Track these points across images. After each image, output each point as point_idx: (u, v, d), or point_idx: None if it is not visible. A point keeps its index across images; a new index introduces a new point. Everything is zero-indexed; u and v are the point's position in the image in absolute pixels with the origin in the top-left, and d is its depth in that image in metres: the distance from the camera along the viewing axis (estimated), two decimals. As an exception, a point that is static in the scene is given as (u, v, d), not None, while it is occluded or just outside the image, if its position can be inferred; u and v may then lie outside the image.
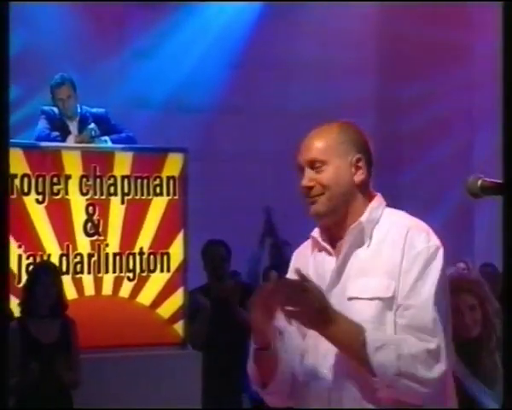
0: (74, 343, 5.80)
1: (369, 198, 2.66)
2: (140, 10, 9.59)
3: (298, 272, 2.48)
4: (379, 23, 10.80)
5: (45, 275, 5.87)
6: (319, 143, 2.63)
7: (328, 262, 2.65)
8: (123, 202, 6.46)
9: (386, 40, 10.88)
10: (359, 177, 2.63)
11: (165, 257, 6.52)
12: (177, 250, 6.55)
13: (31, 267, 6.13)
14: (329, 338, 2.49)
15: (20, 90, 9.00)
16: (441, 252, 2.57)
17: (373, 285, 2.55)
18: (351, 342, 2.47)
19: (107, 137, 6.66)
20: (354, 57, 10.44)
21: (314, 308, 2.43)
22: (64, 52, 8.85)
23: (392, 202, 2.71)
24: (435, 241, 2.58)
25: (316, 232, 2.72)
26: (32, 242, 6.24)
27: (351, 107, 9.55)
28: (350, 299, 2.55)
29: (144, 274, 6.48)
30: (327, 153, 2.61)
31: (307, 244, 2.79)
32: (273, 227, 8.47)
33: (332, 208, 2.61)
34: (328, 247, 2.67)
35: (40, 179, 6.27)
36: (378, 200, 2.68)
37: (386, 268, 2.55)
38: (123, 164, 6.48)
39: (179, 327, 6.54)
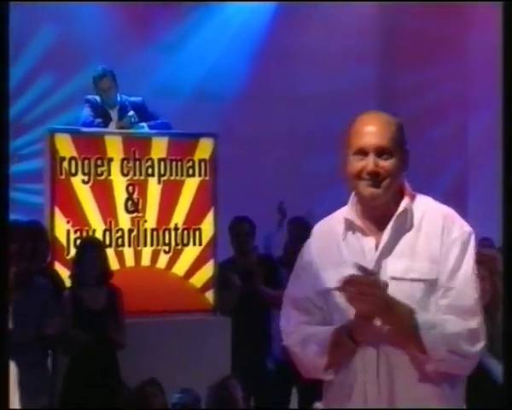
0: (120, 308, 6.17)
1: (400, 185, 2.79)
2: (167, 11, 10.10)
3: (361, 268, 2.59)
4: (379, 14, 11.20)
5: (91, 249, 6.23)
6: (387, 133, 2.73)
7: (367, 242, 2.74)
8: (159, 183, 6.85)
9: (386, 30, 11.29)
10: (405, 168, 2.79)
11: (197, 232, 6.93)
12: (207, 226, 6.96)
13: (78, 241, 6.55)
14: (387, 322, 2.64)
15: (55, 78, 9.57)
16: (473, 237, 2.75)
17: (416, 268, 2.68)
18: (405, 324, 2.62)
19: (144, 124, 6.97)
20: (356, 47, 10.91)
21: (384, 301, 2.59)
22: (97, 46, 9.31)
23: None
24: (468, 227, 2.75)
25: (350, 214, 2.79)
26: (78, 218, 6.67)
27: (352, 93, 10.09)
28: (393, 279, 2.65)
29: (179, 247, 6.90)
30: (394, 144, 2.73)
31: (333, 224, 2.84)
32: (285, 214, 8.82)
33: (389, 194, 2.72)
34: (367, 229, 2.75)
35: (86, 162, 6.67)
36: (409, 187, 2.81)
37: (426, 253, 2.69)
38: (159, 148, 6.86)
39: (210, 295, 6.96)
